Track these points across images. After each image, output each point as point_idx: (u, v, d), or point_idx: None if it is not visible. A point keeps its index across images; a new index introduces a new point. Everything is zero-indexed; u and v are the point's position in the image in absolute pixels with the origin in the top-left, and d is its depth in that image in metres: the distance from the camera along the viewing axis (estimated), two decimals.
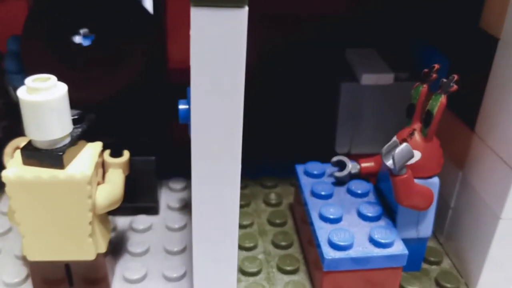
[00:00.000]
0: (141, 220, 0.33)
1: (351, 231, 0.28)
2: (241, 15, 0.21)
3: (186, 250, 0.32)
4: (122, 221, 0.34)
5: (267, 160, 0.38)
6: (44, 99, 0.24)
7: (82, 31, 0.33)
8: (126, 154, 0.30)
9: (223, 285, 0.27)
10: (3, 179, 0.25)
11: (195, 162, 0.24)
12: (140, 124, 0.35)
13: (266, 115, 0.39)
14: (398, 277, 0.28)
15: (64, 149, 0.25)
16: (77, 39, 0.33)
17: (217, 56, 0.22)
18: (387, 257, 0.27)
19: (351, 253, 0.27)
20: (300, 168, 0.33)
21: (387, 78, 0.34)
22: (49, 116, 0.24)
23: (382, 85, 0.34)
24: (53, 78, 0.25)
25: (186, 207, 0.35)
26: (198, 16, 0.21)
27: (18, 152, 0.26)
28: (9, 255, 0.31)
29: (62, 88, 0.25)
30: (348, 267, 0.27)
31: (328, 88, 0.36)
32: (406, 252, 0.27)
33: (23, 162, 0.26)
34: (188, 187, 0.37)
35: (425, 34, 0.36)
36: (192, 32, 0.21)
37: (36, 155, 0.25)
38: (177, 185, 0.37)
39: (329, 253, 0.27)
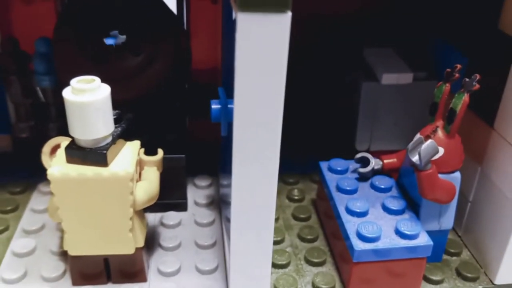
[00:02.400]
0: (171, 216, 0.35)
1: (378, 224, 0.30)
2: (285, 19, 0.22)
3: (217, 244, 0.33)
4: (152, 217, 0.35)
5: (287, 157, 0.40)
6: (90, 99, 0.25)
7: (112, 32, 0.35)
8: (160, 152, 0.31)
9: (258, 276, 0.28)
10: (49, 177, 0.26)
11: (236, 159, 0.25)
12: (168, 122, 0.36)
13: (285, 113, 0.41)
14: (422, 267, 0.30)
15: (107, 147, 0.27)
16: (108, 40, 0.34)
17: (261, 58, 0.23)
18: (413, 248, 0.29)
19: (379, 244, 0.29)
20: (324, 165, 0.35)
21: (406, 78, 0.35)
22: (94, 116, 0.26)
23: (401, 84, 0.35)
24: (97, 79, 0.26)
25: (212, 203, 0.36)
26: (244, 21, 0.22)
27: (61, 150, 0.28)
28: (45, 251, 0.32)
29: (106, 89, 0.26)
30: (376, 258, 0.29)
31: (347, 87, 0.38)
32: (431, 243, 0.29)
33: (67, 160, 0.27)
34: (213, 184, 0.39)
35: (443, 34, 0.37)
36: (238, 36, 0.22)
37: (80, 153, 0.27)
38: (202, 182, 0.38)
39: (358, 245, 0.29)
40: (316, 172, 0.38)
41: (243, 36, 0.22)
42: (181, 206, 0.36)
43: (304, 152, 0.40)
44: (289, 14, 0.22)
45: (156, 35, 0.33)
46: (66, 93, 0.26)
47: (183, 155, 0.34)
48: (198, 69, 0.39)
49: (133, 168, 0.27)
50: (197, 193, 0.37)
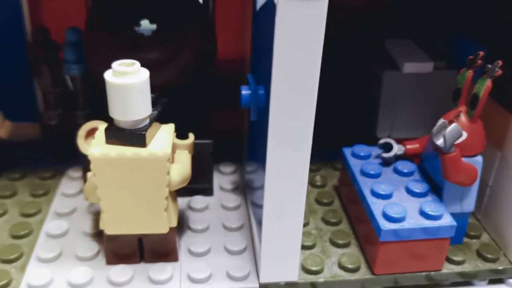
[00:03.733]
0: (199, 200, 0.36)
1: (403, 205, 0.31)
2: (322, 5, 0.23)
3: (244, 227, 0.34)
4: (180, 201, 0.35)
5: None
6: (132, 81, 0.26)
7: (143, 21, 0.36)
8: (192, 136, 0.32)
9: (288, 256, 0.29)
10: (89, 157, 0.28)
11: (271, 143, 0.26)
12: (195, 109, 0.37)
13: None
14: (445, 247, 0.31)
15: (146, 128, 0.28)
16: (138, 29, 0.35)
17: (299, 42, 0.24)
18: (437, 228, 0.30)
19: (405, 224, 0.30)
20: (347, 151, 0.36)
21: (427, 67, 0.36)
22: (135, 98, 0.27)
23: (421, 73, 0.37)
24: (136, 63, 0.27)
25: (237, 188, 0.38)
26: (284, 7, 0.23)
27: (100, 132, 0.29)
28: (78, 232, 0.33)
29: (145, 72, 0.27)
30: (402, 238, 0.30)
31: (368, 76, 0.39)
32: (454, 223, 0.30)
33: (106, 141, 0.28)
34: (237, 170, 0.40)
35: (462, 24, 0.38)
36: (277, 21, 0.23)
37: (119, 134, 0.28)
38: (227, 168, 0.39)
39: (385, 225, 0.30)
40: (337, 159, 0.39)
41: (283, 21, 0.24)
42: (208, 191, 0.37)
43: (325, 140, 0.41)
44: (326, 0, 0.23)
45: (184, 25, 0.34)
46: (108, 76, 0.27)
47: (211, 141, 0.35)
48: (223, 58, 0.40)
49: (170, 149, 0.28)
50: (222, 179, 0.39)
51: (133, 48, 0.35)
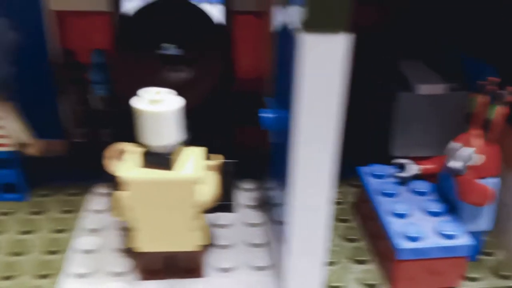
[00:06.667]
0: (222, 217, 0.37)
1: (419, 225, 0.32)
2: (342, 39, 0.25)
3: (266, 243, 0.35)
4: None
5: None
6: (167, 109, 0.28)
7: (166, 45, 0.37)
8: (219, 158, 0.33)
9: (313, 272, 0.30)
10: (123, 180, 0.29)
11: (296, 165, 0.27)
12: (216, 129, 0.38)
13: None
14: (463, 266, 0.32)
15: (176, 153, 0.29)
16: (162, 52, 0.37)
17: (321, 73, 0.25)
18: (454, 247, 0.31)
19: (421, 244, 0.31)
20: (364, 170, 0.37)
21: (440, 88, 0.38)
22: (169, 125, 0.28)
23: (435, 95, 0.38)
24: (171, 91, 0.29)
25: (259, 205, 0.39)
26: (308, 41, 0.25)
27: (130, 154, 0.30)
28: (107, 248, 0.35)
29: (179, 100, 0.29)
30: (418, 257, 0.31)
31: (383, 96, 0.40)
32: (471, 243, 0.31)
33: (140, 164, 0.29)
34: (258, 187, 0.41)
35: (474, 46, 0.39)
36: (302, 54, 0.25)
37: (152, 158, 0.29)
38: (248, 185, 0.41)
39: (402, 244, 0.31)
40: (354, 176, 0.40)
41: (307, 54, 0.25)
42: (229, 208, 0.38)
43: (342, 158, 0.42)
44: (346, 35, 0.25)
45: (207, 46, 0.36)
46: (142, 103, 0.28)
47: (232, 160, 0.37)
48: (242, 78, 0.42)
49: (199, 172, 0.29)
50: (243, 195, 0.40)
51: (158, 70, 0.36)
